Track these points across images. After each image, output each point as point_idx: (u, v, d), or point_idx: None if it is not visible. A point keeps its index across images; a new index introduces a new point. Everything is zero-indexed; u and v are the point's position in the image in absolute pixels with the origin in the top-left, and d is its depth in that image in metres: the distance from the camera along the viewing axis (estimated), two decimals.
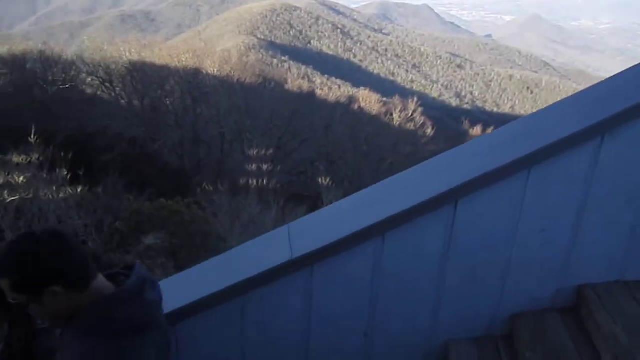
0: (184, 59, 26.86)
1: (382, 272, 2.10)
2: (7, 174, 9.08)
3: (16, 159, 9.83)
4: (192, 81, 25.16)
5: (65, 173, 9.95)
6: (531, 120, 2.34)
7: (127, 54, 26.78)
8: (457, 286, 2.15)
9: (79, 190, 10.07)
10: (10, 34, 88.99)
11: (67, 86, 24.65)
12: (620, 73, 2.17)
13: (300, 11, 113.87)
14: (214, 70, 26.85)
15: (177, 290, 2.16)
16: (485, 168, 1.96)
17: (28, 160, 9.85)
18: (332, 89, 47.09)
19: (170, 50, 29.74)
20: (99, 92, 26.08)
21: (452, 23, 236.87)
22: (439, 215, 2.02)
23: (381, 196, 2.26)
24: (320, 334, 2.21)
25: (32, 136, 10.92)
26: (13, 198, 8.47)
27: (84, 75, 27.31)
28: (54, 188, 9.36)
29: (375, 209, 2.09)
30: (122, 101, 25.61)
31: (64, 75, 25.05)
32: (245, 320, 2.14)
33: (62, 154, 10.84)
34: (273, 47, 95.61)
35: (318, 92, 39.97)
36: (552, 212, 2.04)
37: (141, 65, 25.81)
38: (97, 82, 26.45)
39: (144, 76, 25.67)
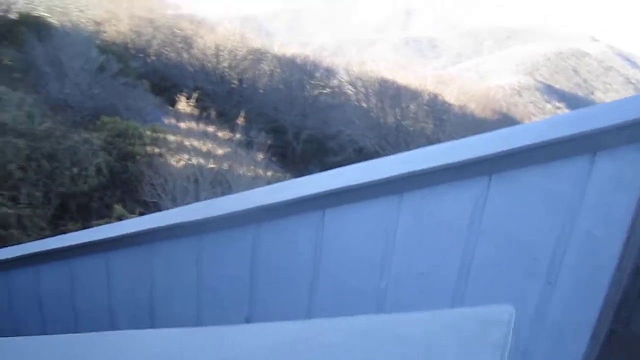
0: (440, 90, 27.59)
1: (257, 260, 2.14)
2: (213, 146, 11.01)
3: (222, 134, 11.78)
4: (432, 106, 25.67)
5: (262, 157, 11.54)
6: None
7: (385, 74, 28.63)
8: (328, 307, 2.05)
9: (269, 174, 11.50)
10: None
11: (326, 91, 27.75)
12: None
13: (590, 58, 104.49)
14: (455, 101, 27.01)
15: None
16: (354, 181, 1.84)
17: (243, 140, 11.71)
18: None
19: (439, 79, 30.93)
20: (350, 101, 28.44)
21: None
22: (309, 219, 1.97)
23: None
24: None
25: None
26: (212, 166, 10.26)
27: (344, 83, 30.09)
28: (252, 167, 10.97)
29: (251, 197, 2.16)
30: (371, 114, 27.46)
31: (326, 81, 28.24)
32: None
33: (269, 141, 12.59)
34: (550, 91, 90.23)
35: None
36: (432, 253, 1.80)
37: (392, 84, 27.34)
38: (352, 92, 28.90)
39: (395, 94, 27.07)
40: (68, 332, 2.96)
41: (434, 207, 1.76)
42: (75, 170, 11.01)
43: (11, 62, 17.24)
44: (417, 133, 25.41)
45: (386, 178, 1.79)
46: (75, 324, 3.04)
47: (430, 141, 26.32)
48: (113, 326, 3.00)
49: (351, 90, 28.83)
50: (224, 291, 2.40)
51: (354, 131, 23.79)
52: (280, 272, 2.16)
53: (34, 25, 19.94)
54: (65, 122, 13.26)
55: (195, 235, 2.49)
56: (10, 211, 9.35)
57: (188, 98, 17.28)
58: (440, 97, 26.45)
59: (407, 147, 25.24)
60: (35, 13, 23.10)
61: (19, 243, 8.78)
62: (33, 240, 8.65)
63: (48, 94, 15.56)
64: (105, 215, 9.65)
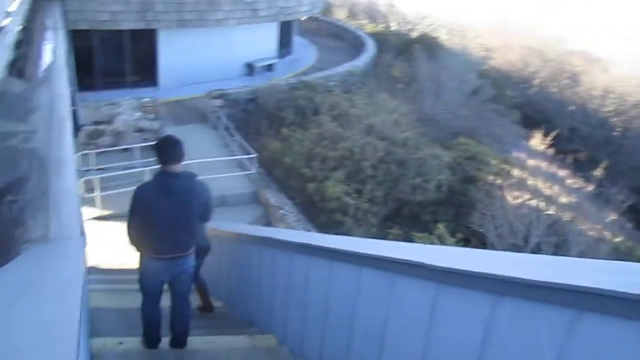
0: None
1: (490, 336, 1.53)
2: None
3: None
4: None
5: (614, 218, 9.42)
6: None
7: None
8: None
9: (617, 239, 9.38)
10: None
11: None
12: None
13: None
14: None
15: None
16: None
17: None
18: None
19: None
20: None
21: None
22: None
23: None
24: None
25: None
26: (551, 212, 8.93)
27: None
28: (599, 226, 9.14)
29: None
30: None
31: None
32: None
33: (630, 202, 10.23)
34: None
35: None
36: None
37: None
38: None
39: None
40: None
41: None
42: (417, 180, 11.45)
43: (399, 74, 19.22)
44: None
45: None
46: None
47: None
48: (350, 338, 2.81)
49: None
50: (446, 350, 1.92)
51: None
52: None
53: (428, 44, 21.77)
54: (425, 135, 13.96)
55: (434, 282, 2.03)
56: (351, 202, 10.35)
57: (545, 135, 16.02)
58: None
59: None
60: (434, 34, 25.19)
61: (347, 232, 9.65)
62: (362, 232, 9.32)
63: (421, 107, 16.73)
64: (429, 230, 9.71)
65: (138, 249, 3.64)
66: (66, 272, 2.27)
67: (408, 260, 2.19)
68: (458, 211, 10.97)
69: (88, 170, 11.68)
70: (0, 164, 3.82)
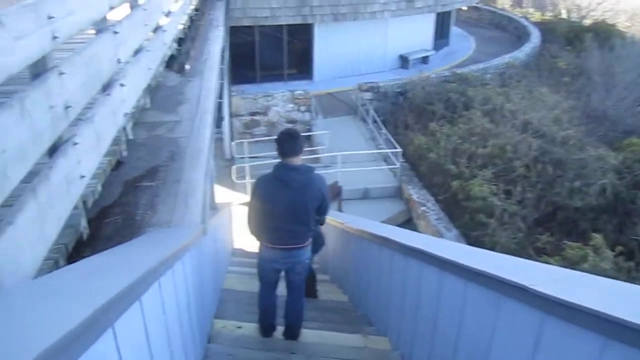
0: None
1: None
2: None
3: None
4: None
5: None
6: None
7: None
8: None
9: None
10: None
11: None
12: None
13: None
14: None
15: None
16: None
17: None
18: None
19: None
20: None
21: None
22: None
23: None
24: None
25: None
26: None
27: None
28: None
29: None
30: None
31: None
32: None
33: None
34: None
35: None
36: None
37: None
38: None
39: None
40: None
41: None
42: (577, 183, 10.34)
43: (565, 66, 17.51)
44: None
45: None
46: None
47: None
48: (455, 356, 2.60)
49: None
50: None
51: None
52: None
53: (602, 33, 19.50)
54: (589, 134, 12.56)
55: (538, 310, 1.77)
56: (498, 203, 9.69)
57: None
58: None
59: None
60: (611, 21, 22.49)
61: (491, 235, 9.06)
62: (507, 235, 8.71)
63: (587, 102, 15.07)
64: (584, 240, 8.70)
65: (257, 238, 3.76)
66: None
67: (511, 280, 1.93)
68: (623, 221, 9.68)
69: (242, 157, 12.51)
70: (144, 150, 4.21)
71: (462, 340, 2.53)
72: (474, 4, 23.79)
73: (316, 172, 3.63)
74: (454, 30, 22.66)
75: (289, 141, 3.48)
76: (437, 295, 2.87)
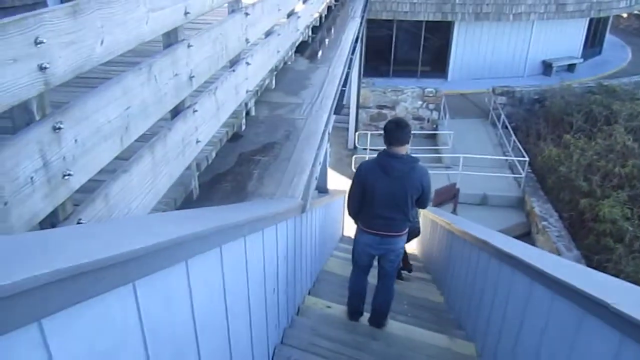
0: None
1: None
2: None
3: None
4: None
5: None
6: None
7: None
8: None
9: None
10: None
11: None
12: None
13: None
14: None
15: None
16: None
17: None
18: None
19: None
20: None
21: None
22: None
23: None
24: None
25: None
26: None
27: None
28: None
29: None
30: None
31: None
32: None
33: None
34: None
35: None
36: None
37: None
38: None
39: None
40: None
41: None
42: None
43: None
44: None
45: None
46: None
47: None
48: None
49: None
50: None
51: None
52: None
53: None
54: None
55: (617, 330, 1.67)
56: (630, 228, 8.83)
57: None
58: None
59: None
60: None
61: (616, 262, 8.28)
62: (635, 265, 7.94)
63: None
64: None
65: (355, 222, 3.86)
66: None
67: (591, 295, 1.83)
68: None
69: (365, 149, 12.68)
70: (263, 127, 4.49)
71: (542, 356, 2.43)
72: (636, 12, 21.57)
73: (420, 164, 3.62)
74: (609, 38, 20.77)
75: (397, 130, 3.51)
76: (524, 305, 2.76)
